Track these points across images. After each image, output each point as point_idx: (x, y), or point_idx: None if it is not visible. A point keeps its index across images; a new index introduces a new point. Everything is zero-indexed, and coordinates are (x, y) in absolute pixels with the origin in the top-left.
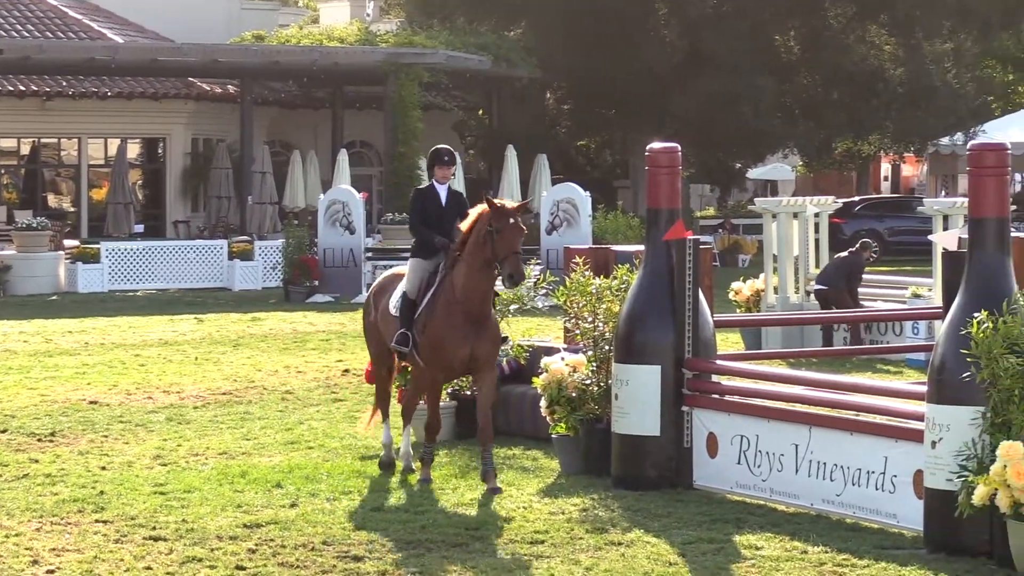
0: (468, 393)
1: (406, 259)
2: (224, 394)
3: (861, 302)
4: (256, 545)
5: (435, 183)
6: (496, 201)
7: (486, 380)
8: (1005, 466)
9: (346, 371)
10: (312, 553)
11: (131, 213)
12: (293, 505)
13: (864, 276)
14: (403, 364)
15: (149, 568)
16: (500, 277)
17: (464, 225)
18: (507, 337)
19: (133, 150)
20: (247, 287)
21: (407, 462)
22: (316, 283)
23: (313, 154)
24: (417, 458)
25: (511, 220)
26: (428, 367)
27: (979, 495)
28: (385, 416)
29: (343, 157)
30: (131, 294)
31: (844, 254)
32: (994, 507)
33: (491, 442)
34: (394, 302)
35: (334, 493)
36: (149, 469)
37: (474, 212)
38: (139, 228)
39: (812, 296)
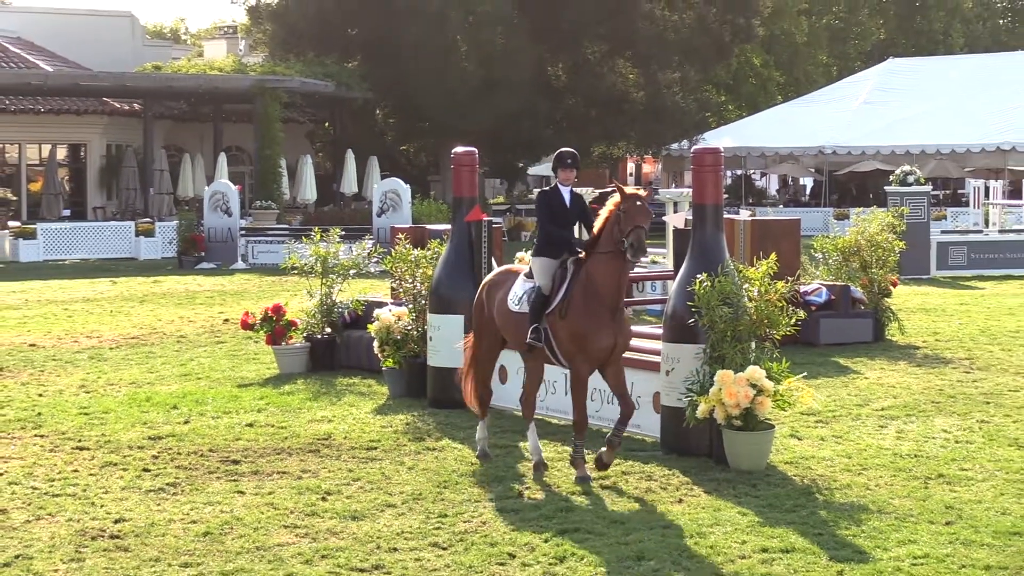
0: (319, 336)
1: (273, 237)
2: (133, 338)
3: None
4: (158, 452)
5: (559, 185)
6: (626, 188)
7: (612, 372)
8: (720, 389)
9: (226, 320)
10: (201, 458)
11: (60, 201)
12: (186, 422)
13: None
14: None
15: (76, 471)
16: (626, 251)
17: (599, 221)
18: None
19: (61, 153)
20: (150, 257)
21: (538, 456)
22: (203, 254)
23: (199, 156)
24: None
25: (638, 203)
26: (572, 361)
27: (701, 411)
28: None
29: (222, 158)
30: (61, 263)
31: None
32: (712, 420)
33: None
34: (514, 298)
35: (217, 413)
36: (76, 395)
37: (609, 202)
38: (66, 212)
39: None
